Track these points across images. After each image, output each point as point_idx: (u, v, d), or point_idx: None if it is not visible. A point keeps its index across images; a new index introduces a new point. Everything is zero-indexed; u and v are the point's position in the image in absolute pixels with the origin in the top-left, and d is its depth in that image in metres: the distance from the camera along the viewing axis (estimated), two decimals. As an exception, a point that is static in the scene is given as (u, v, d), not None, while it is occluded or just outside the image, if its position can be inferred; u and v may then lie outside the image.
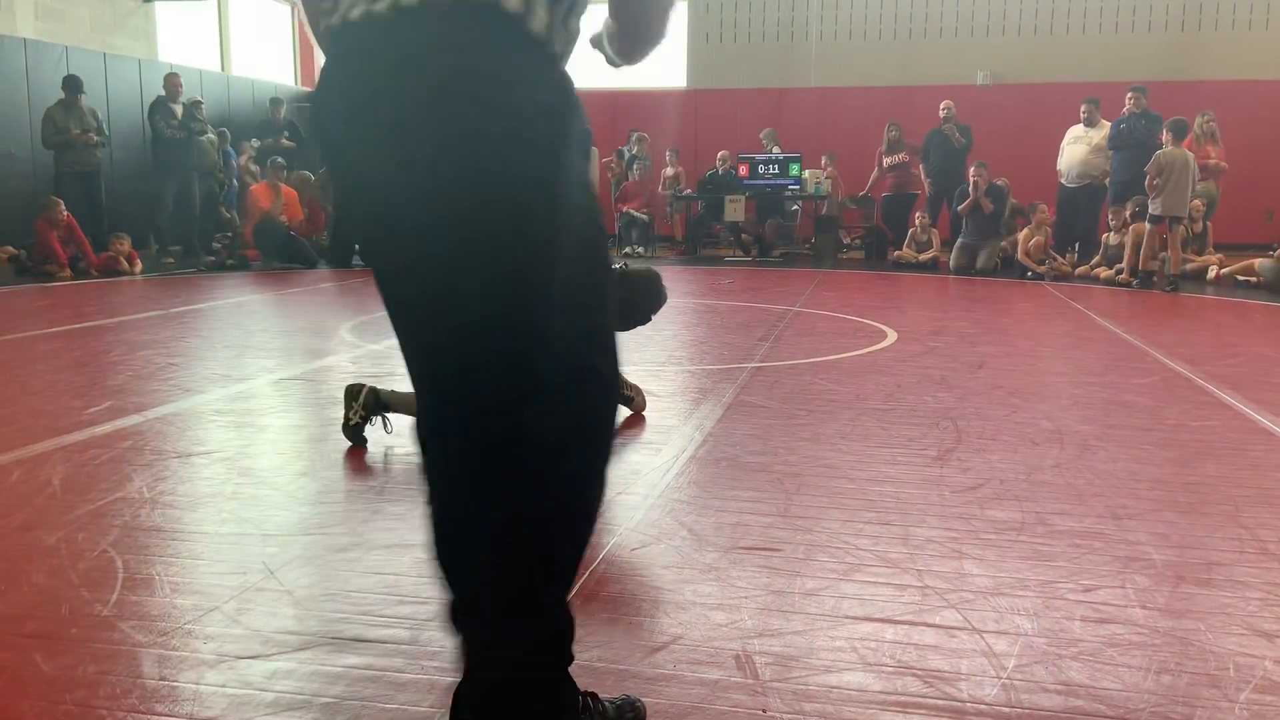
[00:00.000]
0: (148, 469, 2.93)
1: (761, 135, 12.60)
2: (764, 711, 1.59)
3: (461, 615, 1.39)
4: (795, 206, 12.39)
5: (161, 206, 10.51)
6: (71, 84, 9.60)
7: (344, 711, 1.60)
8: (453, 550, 1.40)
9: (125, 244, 9.20)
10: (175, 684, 1.67)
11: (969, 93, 13.05)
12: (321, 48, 1.37)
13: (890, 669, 1.73)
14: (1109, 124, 9.98)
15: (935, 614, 1.95)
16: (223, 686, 1.67)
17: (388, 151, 1.24)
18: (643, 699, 1.60)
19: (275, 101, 11.77)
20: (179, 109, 10.36)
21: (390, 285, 1.38)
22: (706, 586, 2.08)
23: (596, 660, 1.77)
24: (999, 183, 10.15)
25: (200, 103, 10.68)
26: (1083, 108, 10.13)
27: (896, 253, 10.85)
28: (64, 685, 1.66)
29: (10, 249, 9.39)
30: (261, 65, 14.41)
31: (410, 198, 1.25)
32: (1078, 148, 10.07)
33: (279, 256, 9.83)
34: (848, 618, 1.93)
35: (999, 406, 3.83)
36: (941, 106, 10.97)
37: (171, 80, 10.47)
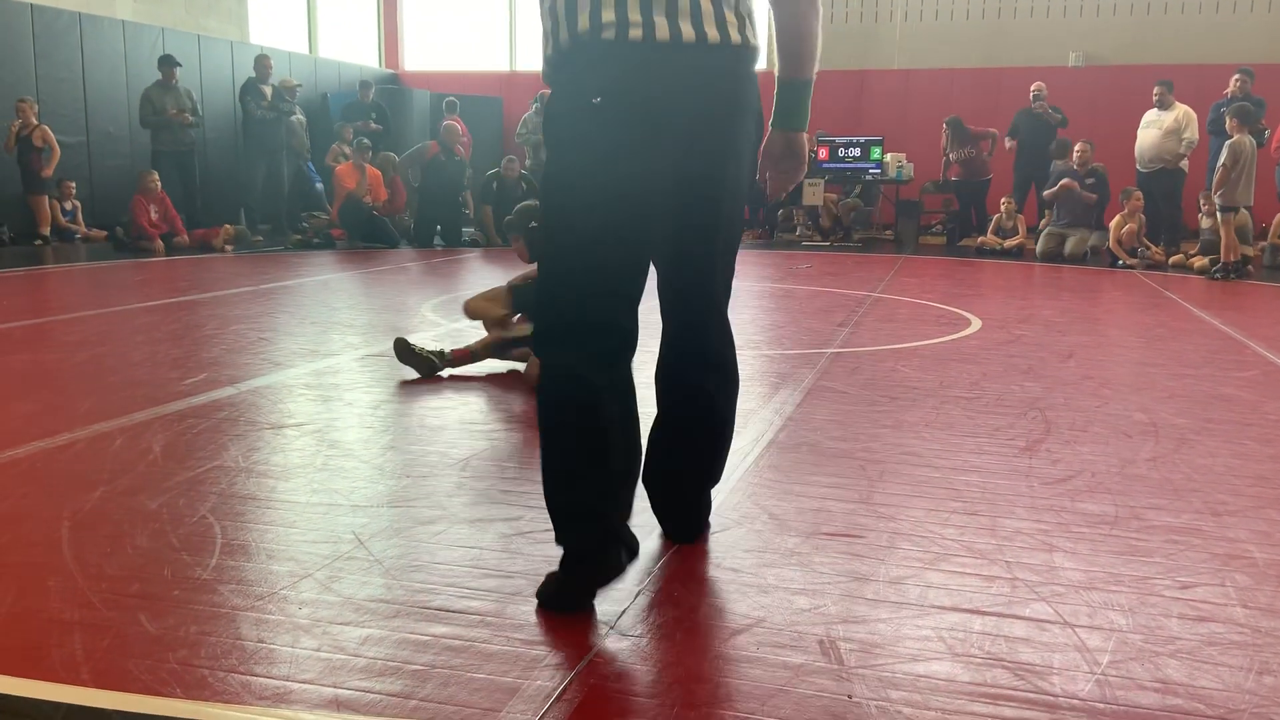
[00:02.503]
0: (242, 439, 3.02)
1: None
2: (849, 698, 1.58)
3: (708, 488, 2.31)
4: (871, 189, 12.17)
5: (251, 186, 10.82)
6: (167, 62, 9.91)
7: (432, 679, 1.63)
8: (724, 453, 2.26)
9: (230, 231, 9.54)
10: (272, 647, 1.73)
11: (1060, 74, 12.65)
12: (556, 49, 1.89)
13: (979, 660, 1.70)
14: (1183, 107, 9.58)
15: (1025, 606, 1.91)
16: (317, 651, 1.72)
17: (722, 142, 1.96)
18: (725, 679, 1.61)
19: (364, 85, 11.98)
20: (269, 90, 10.62)
21: (690, 228, 2.02)
22: (789, 571, 2.07)
23: (680, 640, 1.77)
24: (1100, 166, 9.81)
25: (298, 85, 10.93)
26: (1155, 90, 9.73)
27: (980, 239, 10.60)
28: (167, 645, 1.73)
29: (104, 232, 9.79)
30: (348, 47, 14.70)
31: (730, 169, 1.98)
32: (1150, 132, 9.70)
33: (363, 236, 10.04)
34: (934, 607, 1.90)
35: (1090, 397, 3.72)
36: (1033, 86, 10.67)
37: (262, 62, 10.73)
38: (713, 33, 1.86)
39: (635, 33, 1.81)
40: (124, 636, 1.76)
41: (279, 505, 2.47)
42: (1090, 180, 9.53)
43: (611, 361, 1.90)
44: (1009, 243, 10.02)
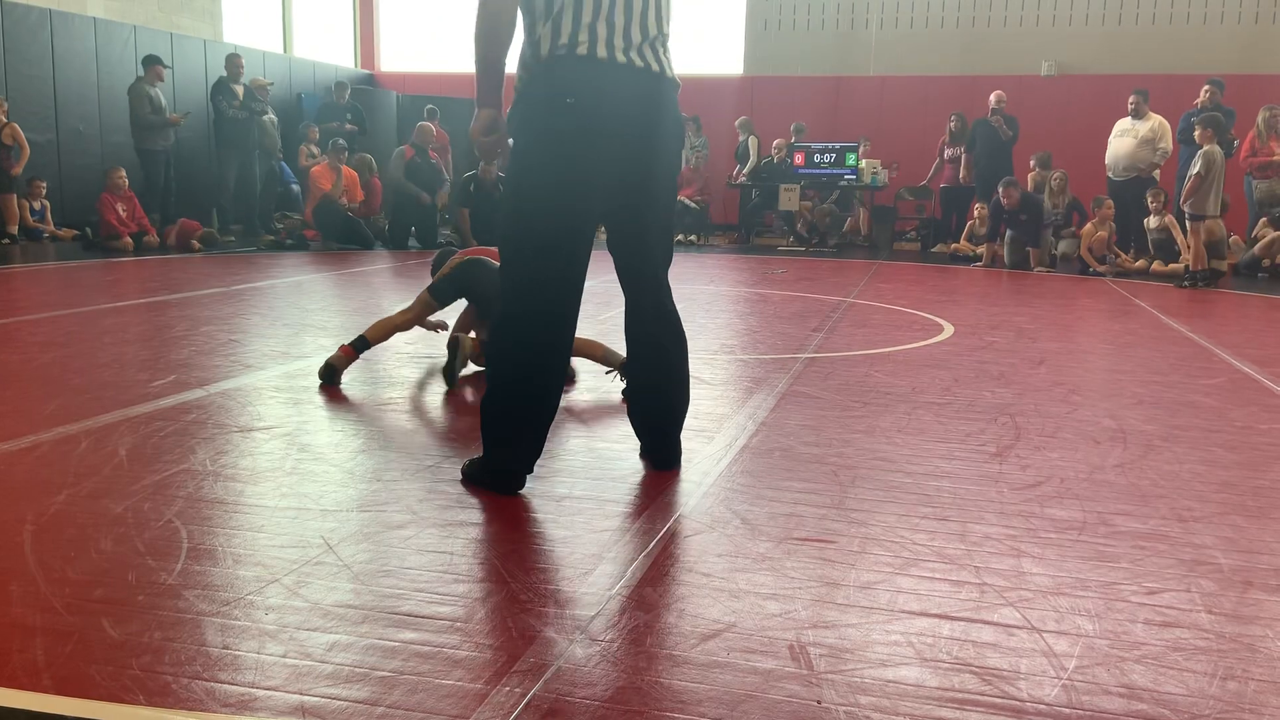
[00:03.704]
0: (210, 442, 2.99)
1: (792, 128, 12.46)
2: (818, 703, 1.58)
3: (677, 429, 2.86)
4: (847, 195, 12.23)
5: (223, 186, 10.72)
6: (154, 62, 9.81)
7: (400, 686, 1.62)
8: (684, 389, 2.84)
9: (199, 229, 9.46)
10: (237, 653, 1.71)
11: (1033, 83, 12.80)
12: (546, 55, 2.49)
13: (947, 665, 1.71)
14: (1157, 116, 9.72)
15: (994, 612, 1.92)
16: (283, 657, 1.70)
17: (651, 143, 2.61)
18: (695, 685, 1.61)
19: (340, 85, 11.92)
20: (240, 89, 10.53)
21: (637, 204, 2.66)
22: (760, 576, 2.08)
23: (650, 645, 1.77)
24: (1039, 194, 9.87)
25: (269, 85, 10.84)
26: (1130, 99, 9.87)
27: (954, 245, 10.68)
28: (130, 651, 1.71)
29: (73, 231, 9.67)
30: (323, 47, 14.60)
31: (662, 166, 2.67)
32: (1125, 140, 9.82)
33: (338, 237, 9.97)
34: (904, 612, 1.91)
35: (1059, 404, 3.76)
36: (992, 96, 10.76)
37: (234, 61, 10.64)
38: (654, 64, 2.55)
39: (602, 52, 2.46)
40: (86, 642, 1.73)
41: (247, 509, 2.44)
42: (1023, 217, 9.45)
43: (563, 312, 2.57)
44: (980, 249, 10.10)
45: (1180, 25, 12.99)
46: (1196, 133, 8.41)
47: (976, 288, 8.12)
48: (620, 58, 2.48)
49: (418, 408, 3.56)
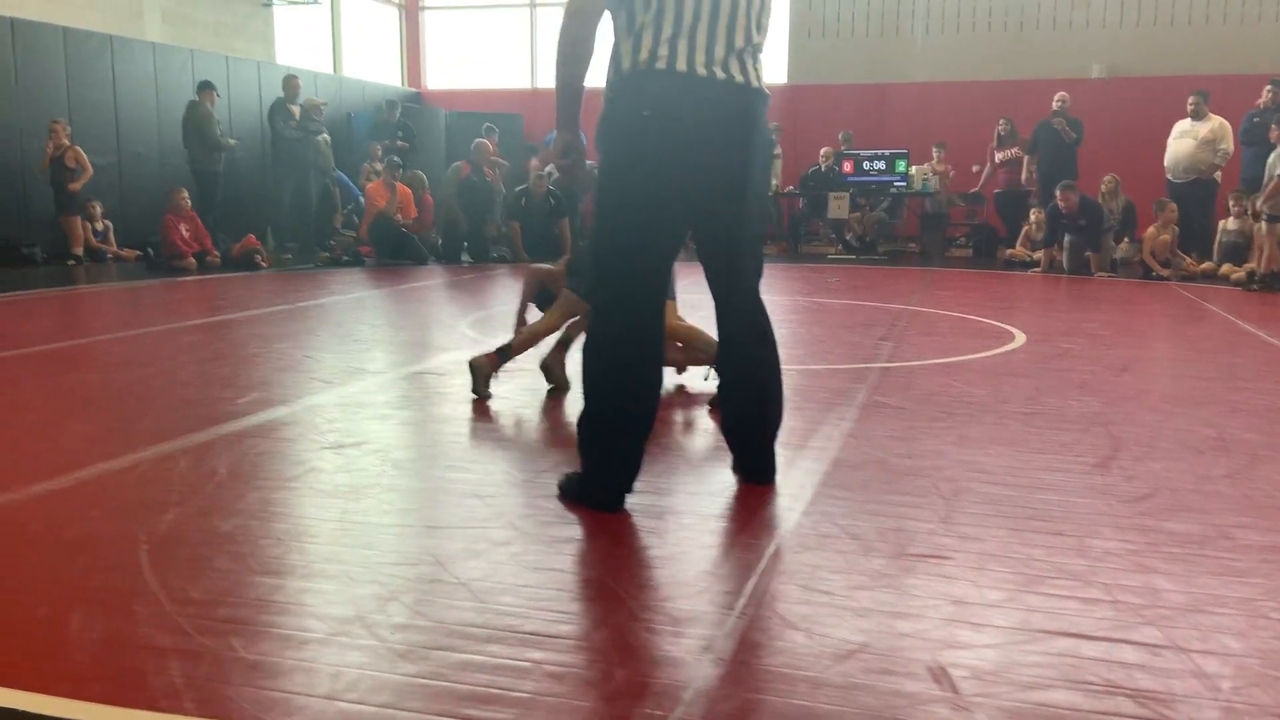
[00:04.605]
0: (304, 460, 3.00)
1: (840, 136, 12.38)
2: (971, 726, 1.54)
3: (772, 441, 2.81)
4: (892, 202, 12.12)
5: (280, 204, 10.87)
6: (209, 87, 10.02)
7: (539, 707, 1.59)
8: (778, 400, 2.78)
9: (254, 242, 9.60)
10: (370, 673, 1.70)
11: (1083, 86, 12.61)
12: (628, 70, 2.49)
13: (1098, 688, 1.65)
14: (1217, 118, 9.53)
15: (1134, 630, 1.86)
16: (415, 678, 1.69)
17: (734, 154, 2.55)
18: (840, 708, 1.57)
19: (391, 104, 12.05)
20: (297, 110, 10.67)
21: (722, 216, 2.61)
22: (882, 594, 2.03)
23: (782, 665, 1.73)
24: (1096, 198, 9.68)
25: (324, 105, 10.98)
26: (1190, 101, 9.69)
27: (1009, 251, 10.54)
28: (265, 672, 1.70)
29: (136, 252, 9.84)
30: (371, 67, 14.78)
31: (747, 178, 2.59)
32: (1184, 142, 9.64)
33: (391, 253, 10.06)
34: (1040, 631, 1.86)
35: (1151, 412, 3.67)
36: (1056, 98, 10.60)
37: (290, 82, 10.79)
38: (739, 76, 2.51)
39: (682, 65, 2.44)
40: (220, 663, 1.73)
41: (352, 527, 2.44)
42: (1082, 221, 9.28)
43: (652, 325, 2.54)
44: (1038, 254, 9.93)
45: (1235, 24, 12.75)
46: (1274, 133, 8.22)
47: (1039, 294, 8.00)
48: (702, 71, 2.45)
49: (505, 422, 3.56)
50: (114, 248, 9.85)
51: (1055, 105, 10.55)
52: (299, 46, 13.49)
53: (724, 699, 1.63)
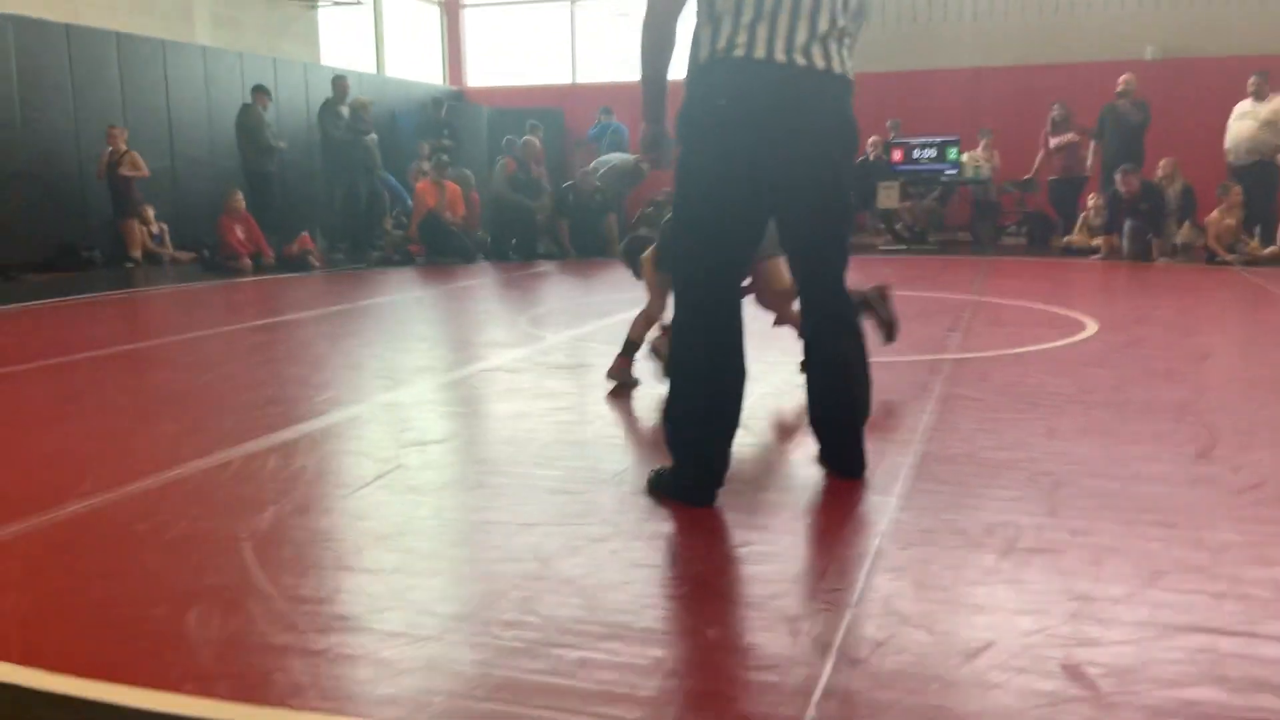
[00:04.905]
0: (389, 457, 3.01)
1: (888, 124, 12.21)
2: (1118, 726, 1.49)
3: (860, 433, 2.74)
4: (943, 191, 11.94)
5: (330, 205, 10.96)
6: (261, 91, 10.14)
7: (672, 706, 1.57)
8: (865, 389, 2.76)
9: (308, 242, 9.68)
10: (498, 672, 1.68)
11: (1136, 68, 12.31)
12: (705, 58, 2.47)
13: (1244, 685, 1.60)
14: (1279, 98, 9.27)
15: (1270, 625, 1.80)
16: (537, 675, 1.68)
17: (810, 141, 2.49)
18: (978, 708, 1.53)
19: (436, 102, 12.10)
20: (346, 110, 10.74)
21: (799, 205, 2.56)
22: (1000, 590, 1.98)
23: (908, 665, 1.69)
24: (1155, 181, 9.46)
25: (369, 104, 11.03)
26: (1251, 81, 9.44)
27: (1067, 238, 10.35)
28: (391, 670, 1.70)
29: (192, 254, 9.97)
30: (413, 66, 14.86)
31: (827, 165, 2.53)
32: (1245, 123, 9.39)
33: (441, 251, 10.11)
34: (1172, 627, 1.80)
35: (1244, 400, 3.57)
36: (1120, 80, 10.34)
37: (339, 83, 10.86)
38: (821, 62, 2.44)
39: (759, 52, 2.40)
40: (342, 660, 1.73)
41: (446, 525, 2.44)
42: (1144, 206, 9.09)
43: (733, 314, 2.53)
44: (1097, 240, 9.73)
45: (1292, 2, 12.39)
46: None
47: (1102, 281, 7.84)
48: (780, 57, 2.41)
49: (585, 417, 3.54)
50: (170, 250, 9.99)
51: (1120, 87, 10.31)
52: (343, 47, 13.58)
53: (855, 700, 1.59)
